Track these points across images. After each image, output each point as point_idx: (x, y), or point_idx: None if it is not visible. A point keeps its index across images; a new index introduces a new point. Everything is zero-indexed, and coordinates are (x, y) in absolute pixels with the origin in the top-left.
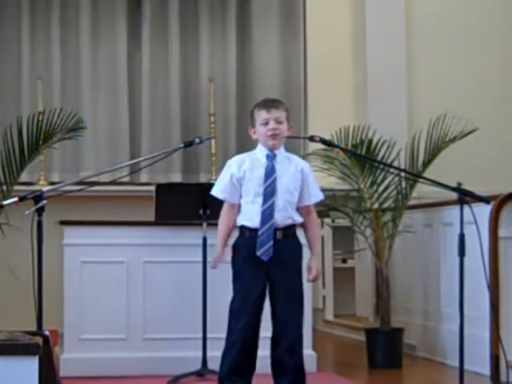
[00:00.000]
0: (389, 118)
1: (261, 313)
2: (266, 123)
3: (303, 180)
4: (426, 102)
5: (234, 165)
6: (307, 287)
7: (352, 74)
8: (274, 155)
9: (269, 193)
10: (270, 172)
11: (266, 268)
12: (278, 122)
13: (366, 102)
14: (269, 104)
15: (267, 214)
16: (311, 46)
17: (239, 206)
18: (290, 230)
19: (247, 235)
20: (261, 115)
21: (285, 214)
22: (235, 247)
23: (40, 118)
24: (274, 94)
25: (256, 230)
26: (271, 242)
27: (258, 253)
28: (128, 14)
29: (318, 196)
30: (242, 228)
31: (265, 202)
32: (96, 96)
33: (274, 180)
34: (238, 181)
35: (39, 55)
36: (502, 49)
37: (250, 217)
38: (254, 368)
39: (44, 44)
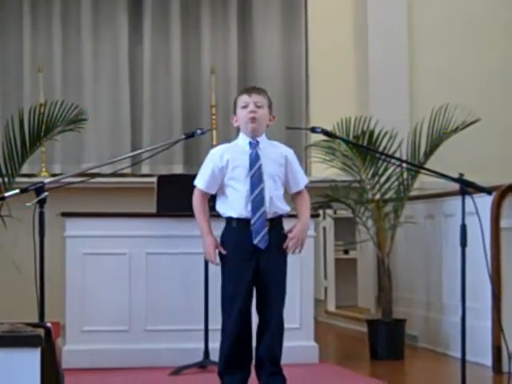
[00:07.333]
0: (390, 109)
1: (251, 302)
2: (246, 106)
3: (288, 167)
4: (428, 92)
5: (217, 155)
6: (309, 278)
7: (353, 65)
8: (257, 142)
9: (256, 179)
10: (255, 158)
11: (256, 257)
12: (258, 106)
13: (368, 93)
14: (250, 89)
15: (257, 200)
16: (312, 37)
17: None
18: (276, 222)
19: (234, 226)
20: (241, 99)
21: (271, 203)
22: (223, 238)
23: (41, 110)
24: (276, 85)
25: (243, 220)
26: (265, 229)
27: (255, 241)
28: (129, 6)
29: (305, 180)
30: (229, 219)
31: (253, 189)
32: (97, 88)
33: (260, 166)
34: (220, 171)
35: (41, 48)
36: (505, 39)
37: (237, 207)
38: (251, 357)
39: (45, 36)
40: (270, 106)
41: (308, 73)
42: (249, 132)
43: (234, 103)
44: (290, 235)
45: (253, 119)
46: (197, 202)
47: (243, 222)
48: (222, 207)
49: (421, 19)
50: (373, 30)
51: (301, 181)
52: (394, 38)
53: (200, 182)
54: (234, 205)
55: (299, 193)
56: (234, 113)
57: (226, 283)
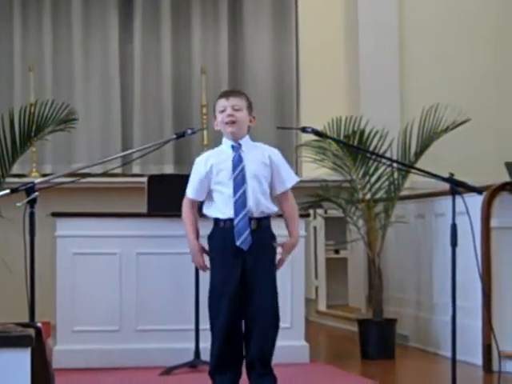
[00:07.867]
0: (381, 109)
1: (239, 300)
2: (223, 110)
3: (273, 168)
4: (419, 92)
5: (201, 162)
6: (300, 278)
7: (344, 64)
8: (240, 145)
9: (239, 181)
10: (238, 161)
11: (242, 256)
12: (235, 109)
13: (359, 92)
14: (227, 93)
15: (240, 202)
16: (303, 35)
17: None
18: (264, 221)
19: (221, 225)
20: (219, 104)
21: (257, 203)
22: (211, 238)
23: (32, 110)
24: (266, 85)
25: (230, 220)
26: (248, 230)
27: (238, 242)
28: (120, 6)
29: (293, 179)
30: (216, 220)
31: (236, 191)
32: (88, 87)
33: (243, 168)
34: (206, 177)
35: (31, 47)
36: (497, 39)
37: (222, 209)
38: (242, 357)
39: (36, 36)
40: (249, 107)
41: (299, 72)
42: (229, 135)
43: (213, 108)
44: (280, 250)
45: (231, 123)
46: (185, 210)
47: (229, 222)
48: (209, 211)
49: (412, 15)
50: (363, 30)
51: (287, 181)
52: (384, 37)
53: (191, 192)
54: (220, 207)
55: (283, 195)
56: (214, 117)
57: (214, 282)
